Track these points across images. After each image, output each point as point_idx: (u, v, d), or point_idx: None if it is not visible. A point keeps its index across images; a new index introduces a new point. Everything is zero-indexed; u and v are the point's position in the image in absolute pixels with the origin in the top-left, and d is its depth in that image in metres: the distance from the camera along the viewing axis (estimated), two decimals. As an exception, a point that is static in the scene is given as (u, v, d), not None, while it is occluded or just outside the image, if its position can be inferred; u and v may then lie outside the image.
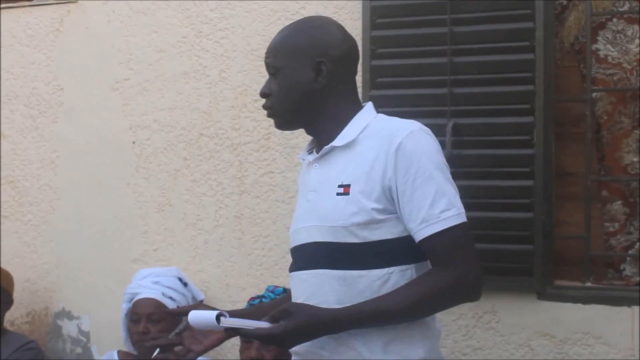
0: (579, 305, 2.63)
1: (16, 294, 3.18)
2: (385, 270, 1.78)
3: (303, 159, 2.00)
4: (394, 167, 1.77)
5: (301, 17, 2.13)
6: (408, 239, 1.79)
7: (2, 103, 3.41)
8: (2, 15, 3.41)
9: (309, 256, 1.86)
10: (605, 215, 2.75)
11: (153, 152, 3.17)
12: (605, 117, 2.74)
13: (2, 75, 3.41)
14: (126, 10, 3.23)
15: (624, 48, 2.72)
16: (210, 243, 3.08)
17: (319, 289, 1.82)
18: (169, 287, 2.90)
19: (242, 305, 2.79)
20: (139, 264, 3.15)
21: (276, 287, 2.75)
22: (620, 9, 2.73)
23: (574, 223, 2.74)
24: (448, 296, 1.78)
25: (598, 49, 2.75)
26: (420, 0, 2.78)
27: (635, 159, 2.71)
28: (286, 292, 2.72)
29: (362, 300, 1.76)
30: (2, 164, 3.40)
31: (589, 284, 2.69)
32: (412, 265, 1.81)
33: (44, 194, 3.34)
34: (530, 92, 2.65)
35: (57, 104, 3.34)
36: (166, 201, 3.15)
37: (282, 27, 2.90)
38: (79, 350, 3.27)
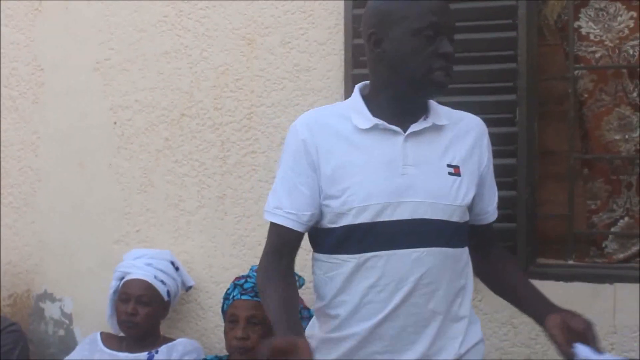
0: (562, 283, 2.59)
1: (-2, 277, 3.08)
2: (467, 249, 1.86)
3: (377, 125, 1.76)
4: (487, 156, 1.87)
5: None
6: None
7: (-19, 84, 3.29)
8: (-20, -4, 3.29)
9: (421, 233, 1.74)
10: (587, 193, 2.70)
11: (135, 133, 3.07)
12: (586, 95, 2.67)
13: (-19, 57, 3.29)
14: (106, -10, 3.11)
15: (606, 26, 2.67)
16: (192, 224, 2.99)
17: (434, 267, 1.75)
18: (161, 270, 2.82)
19: (225, 285, 2.69)
20: (121, 245, 3.06)
21: (259, 267, 2.66)
22: (602, -13, 2.67)
23: (557, 201, 2.69)
24: None
25: (580, 27, 2.68)
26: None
27: (617, 137, 2.65)
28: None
29: (459, 275, 1.81)
30: (-19, 146, 3.29)
31: (571, 262, 2.66)
32: None
33: (24, 176, 3.24)
34: (513, 70, 2.60)
35: (37, 84, 3.22)
36: (148, 182, 3.06)
37: (264, 5, 2.89)
38: (61, 332, 3.18)
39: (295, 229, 1.80)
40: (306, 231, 1.83)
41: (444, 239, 1.76)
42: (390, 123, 1.76)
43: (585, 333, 1.67)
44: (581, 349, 1.63)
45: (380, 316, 1.74)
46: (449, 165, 1.78)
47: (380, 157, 1.75)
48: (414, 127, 1.76)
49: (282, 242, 1.82)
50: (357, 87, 1.86)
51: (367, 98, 1.82)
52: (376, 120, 1.76)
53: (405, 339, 1.76)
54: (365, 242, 1.74)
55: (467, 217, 1.82)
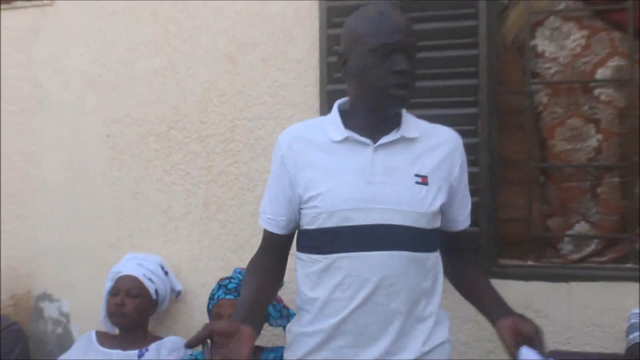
0: (521, 282, 2.60)
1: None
2: (436, 253, 1.85)
3: (347, 137, 1.79)
4: (459, 167, 1.86)
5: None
6: None
7: (-16, 100, 3.30)
8: (-17, 18, 3.29)
9: (384, 238, 1.75)
10: (543, 198, 2.72)
11: (126, 145, 3.08)
12: (542, 108, 2.69)
13: (-17, 75, 3.29)
14: (100, 12, 3.12)
15: (560, 44, 2.69)
16: (180, 229, 2.99)
17: (396, 269, 1.75)
18: (150, 271, 2.83)
19: (211, 286, 2.70)
20: (114, 249, 3.06)
21: (242, 269, 2.67)
22: (556, 8, 2.70)
23: (516, 206, 2.71)
24: None
25: (536, 45, 2.71)
26: (373, 0, 2.68)
27: (569, 147, 2.67)
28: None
29: (426, 281, 1.81)
30: (-15, 158, 3.29)
31: (530, 262, 2.66)
32: None
33: (24, 185, 3.23)
34: (474, 86, 2.61)
35: (35, 100, 3.23)
36: (139, 190, 3.06)
37: (246, 26, 2.91)
38: (59, 330, 3.17)
39: (274, 231, 1.90)
40: (288, 234, 1.90)
41: (408, 244, 1.76)
42: (362, 135, 1.79)
43: (532, 337, 1.67)
44: (524, 352, 1.64)
45: (344, 313, 1.77)
46: (417, 175, 1.78)
47: (350, 167, 1.78)
48: (383, 139, 1.78)
49: (267, 241, 1.93)
50: (336, 102, 1.90)
51: (345, 112, 1.85)
52: (348, 133, 1.79)
53: (368, 335, 1.77)
54: (334, 244, 1.78)
55: (435, 224, 1.82)
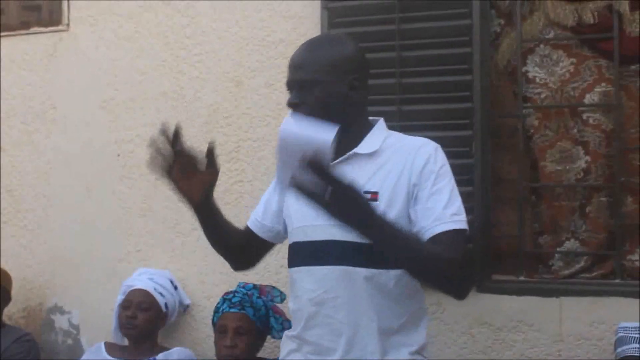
0: (514, 296, 2.59)
1: (14, 291, 3.06)
2: (400, 271, 1.72)
3: None
4: (420, 175, 1.72)
5: (306, 38, 1.97)
6: None
7: (1, 120, 3.30)
8: (2, 42, 3.31)
9: (330, 253, 1.74)
10: (535, 216, 2.72)
11: (136, 164, 3.07)
12: (533, 131, 2.70)
13: (1, 96, 3.30)
14: (112, 37, 3.15)
15: (549, 70, 2.70)
16: (187, 244, 2.98)
17: (340, 283, 1.74)
18: (160, 285, 2.83)
19: (216, 300, 2.69)
20: (123, 264, 3.06)
21: (246, 283, 2.68)
22: (546, 36, 2.71)
23: (509, 223, 2.70)
24: (434, 264, 1.63)
25: (528, 71, 2.72)
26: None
27: (559, 167, 2.67)
28: (255, 287, 2.64)
29: (378, 297, 1.73)
30: (1, 174, 3.29)
31: (522, 278, 2.65)
32: None
33: (38, 201, 3.24)
34: (469, 109, 2.61)
35: (50, 120, 3.24)
36: (148, 207, 3.06)
37: (251, 52, 2.93)
38: (69, 341, 3.16)
39: (253, 230, 2.01)
40: (266, 238, 2.00)
41: (354, 259, 1.72)
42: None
43: None
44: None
45: (302, 323, 1.81)
46: (367, 192, 1.70)
47: None
48: (339, 159, 1.77)
49: (250, 232, 2.02)
50: None
51: None
52: None
53: (324, 345, 1.77)
54: (293, 259, 1.85)
55: None
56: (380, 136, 1.81)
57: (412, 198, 1.73)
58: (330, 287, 1.74)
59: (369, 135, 1.80)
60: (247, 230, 2.03)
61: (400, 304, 1.76)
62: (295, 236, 1.84)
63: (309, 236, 1.79)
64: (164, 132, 1.79)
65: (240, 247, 2.02)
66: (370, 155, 1.77)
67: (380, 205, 1.69)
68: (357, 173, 1.72)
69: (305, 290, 1.79)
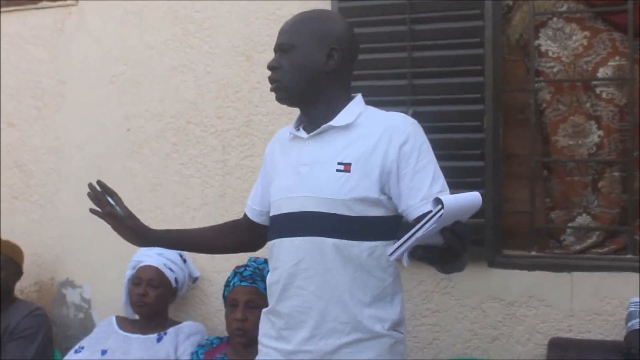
0: (525, 272, 2.58)
1: (25, 266, 3.06)
2: (373, 243, 1.73)
3: (291, 134, 1.86)
4: (398, 151, 1.71)
5: (294, 13, 1.94)
6: (394, 218, 1.75)
7: (10, 96, 3.27)
8: (9, 17, 3.27)
9: (302, 224, 1.75)
10: (546, 192, 2.68)
11: (146, 139, 3.06)
12: (545, 105, 2.66)
13: (10, 71, 3.27)
14: (121, 12, 3.10)
15: (562, 44, 2.66)
16: (197, 219, 2.97)
17: (311, 254, 1.73)
18: (170, 260, 2.81)
19: (226, 274, 2.67)
20: (134, 239, 3.02)
21: (257, 258, 2.65)
22: (559, 9, 2.66)
23: (520, 199, 2.67)
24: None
25: (540, 45, 2.67)
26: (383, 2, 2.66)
27: (572, 142, 2.64)
28: (266, 262, 2.62)
29: (350, 268, 1.72)
30: (11, 150, 3.28)
31: (533, 253, 2.63)
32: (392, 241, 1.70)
33: (49, 177, 3.23)
34: (480, 84, 2.58)
35: (59, 96, 3.22)
36: (158, 182, 3.05)
37: (261, 26, 2.89)
38: (81, 315, 3.17)
39: (249, 215, 2.04)
40: (259, 222, 2.01)
41: (326, 230, 1.71)
42: (306, 130, 1.83)
43: None
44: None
45: (276, 295, 1.80)
46: (340, 163, 1.72)
47: (289, 160, 1.84)
48: (313, 132, 1.80)
49: (247, 218, 2.05)
50: None
51: None
52: (292, 130, 1.86)
53: (296, 317, 1.76)
54: (271, 232, 1.87)
55: (365, 212, 1.72)
56: (356, 110, 1.81)
57: (390, 174, 1.72)
58: (302, 258, 1.74)
59: (345, 109, 1.81)
60: (245, 217, 2.06)
61: (373, 276, 1.75)
62: (273, 210, 1.86)
63: (283, 209, 1.80)
64: (94, 188, 1.96)
65: (234, 242, 2.07)
66: (345, 127, 1.78)
67: (353, 176, 1.71)
68: (331, 145, 1.76)
69: (280, 261, 1.79)
